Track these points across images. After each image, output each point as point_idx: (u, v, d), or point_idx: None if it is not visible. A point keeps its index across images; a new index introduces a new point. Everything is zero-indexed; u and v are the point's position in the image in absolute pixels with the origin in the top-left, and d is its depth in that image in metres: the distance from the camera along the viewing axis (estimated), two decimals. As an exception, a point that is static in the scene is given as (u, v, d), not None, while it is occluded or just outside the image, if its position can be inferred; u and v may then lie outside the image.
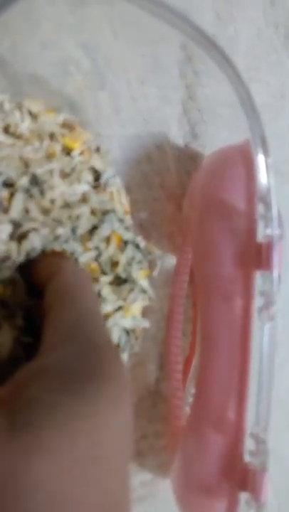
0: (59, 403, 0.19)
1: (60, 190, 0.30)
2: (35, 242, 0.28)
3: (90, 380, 0.20)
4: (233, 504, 0.32)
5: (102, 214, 0.31)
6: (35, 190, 0.29)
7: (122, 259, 0.32)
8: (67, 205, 0.30)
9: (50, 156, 0.30)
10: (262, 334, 0.32)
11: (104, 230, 0.31)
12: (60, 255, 0.29)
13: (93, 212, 0.31)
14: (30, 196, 0.29)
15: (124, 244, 0.33)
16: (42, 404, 0.18)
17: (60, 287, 0.25)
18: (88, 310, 0.24)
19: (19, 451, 0.17)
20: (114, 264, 0.32)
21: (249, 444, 0.32)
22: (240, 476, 0.32)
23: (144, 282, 0.34)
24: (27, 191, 0.28)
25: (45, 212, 0.29)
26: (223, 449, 0.32)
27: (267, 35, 0.45)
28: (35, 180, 0.29)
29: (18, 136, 0.30)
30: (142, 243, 0.34)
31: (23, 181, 0.28)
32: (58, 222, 0.29)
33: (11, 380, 0.21)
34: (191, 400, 0.37)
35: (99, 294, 0.31)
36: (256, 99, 0.34)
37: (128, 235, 0.33)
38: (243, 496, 0.32)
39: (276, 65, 0.46)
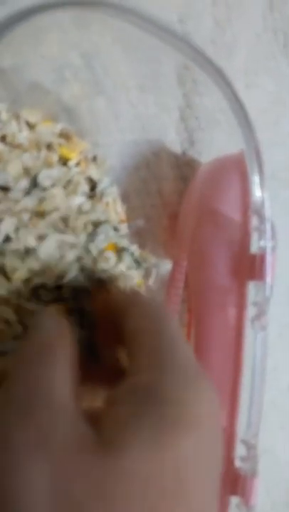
0: (143, 428, 0.19)
1: (60, 199, 0.31)
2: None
3: (179, 409, 0.20)
4: (224, 508, 0.32)
5: (95, 225, 0.32)
6: (35, 192, 0.29)
7: (123, 268, 0.33)
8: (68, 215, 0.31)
9: (48, 166, 0.31)
10: (254, 344, 0.32)
11: (99, 242, 0.32)
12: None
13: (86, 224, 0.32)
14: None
15: (119, 252, 0.33)
16: (127, 426, 0.19)
17: (147, 313, 0.25)
18: (178, 338, 0.24)
19: (102, 465, 0.18)
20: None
21: (240, 450, 0.33)
22: (231, 481, 0.32)
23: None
24: (27, 193, 0.29)
25: (40, 215, 0.30)
26: (215, 455, 0.33)
27: (265, 41, 0.45)
28: (35, 183, 0.30)
29: (16, 146, 0.30)
30: (137, 252, 0.34)
31: (23, 183, 0.29)
32: (73, 230, 0.30)
33: (105, 397, 0.21)
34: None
35: None
36: (255, 105, 0.35)
37: (123, 244, 0.34)
38: (234, 500, 0.33)
39: (275, 70, 0.46)
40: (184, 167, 0.41)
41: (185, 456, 0.19)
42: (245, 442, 0.33)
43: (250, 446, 0.33)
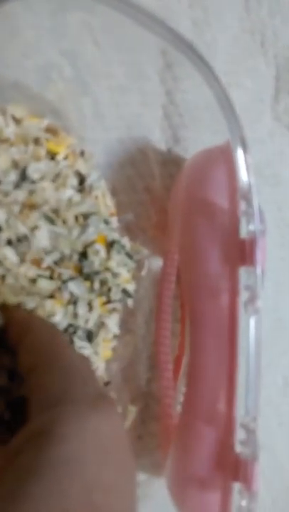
0: (43, 475, 0.19)
1: (49, 192, 0.31)
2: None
3: (64, 448, 0.20)
4: (227, 494, 0.32)
5: (85, 217, 0.32)
6: (24, 185, 0.30)
7: (112, 264, 0.33)
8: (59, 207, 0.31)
9: (36, 160, 0.31)
10: (248, 327, 0.33)
11: (90, 235, 0.32)
12: (26, 312, 0.29)
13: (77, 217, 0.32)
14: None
15: (109, 245, 0.34)
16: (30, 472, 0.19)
17: (34, 348, 0.25)
18: (72, 365, 0.24)
19: None
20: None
21: (239, 435, 0.33)
22: (232, 467, 0.32)
23: (129, 286, 0.35)
24: (16, 186, 0.29)
25: (31, 207, 0.30)
26: (215, 441, 0.33)
27: (243, 42, 0.46)
28: (23, 176, 0.30)
29: (3, 141, 0.30)
30: (128, 244, 0.35)
31: (12, 176, 0.29)
32: (64, 222, 0.31)
33: (9, 444, 0.21)
34: (182, 398, 0.38)
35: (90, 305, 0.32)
36: (235, 104, 0.35)
37: (113, 236, 0.34)
38: (236, 487, 0.33)
39: (253, 70, 0.47)
40: (170, 164, 0.41)
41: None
42: (244, 426, 0.33)
43: (249, 431, 0.33)
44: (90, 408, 0.22)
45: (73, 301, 0.31)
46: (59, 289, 0.31)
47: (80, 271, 0.32)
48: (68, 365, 0.24)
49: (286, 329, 0.50)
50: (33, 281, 0.30)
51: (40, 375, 0.24)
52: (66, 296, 0.31)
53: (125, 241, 0.35)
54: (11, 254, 0.29)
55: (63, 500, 0.19)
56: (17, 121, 0.32)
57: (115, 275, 0.34)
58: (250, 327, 0.33)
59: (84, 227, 0.32)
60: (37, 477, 0.19)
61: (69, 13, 0.36)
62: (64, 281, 0.30)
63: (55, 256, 0.30)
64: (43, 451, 0.20)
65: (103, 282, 0.33)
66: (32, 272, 0.29)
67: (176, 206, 0.38)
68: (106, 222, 0.34)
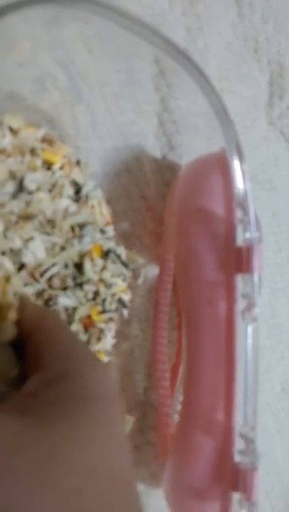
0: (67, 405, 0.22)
1: (46, 202, 0.31)
2: None
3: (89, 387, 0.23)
4: (226, 505, 0.32)
5: (81, 227, 0.32)
6: (21, 196, 0.30)
7: (107, 275, 0.33)
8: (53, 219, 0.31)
9: (32, 170, 0.31)
10: (245, 335, 0.33)
11: (86, 244, 0.32)
12: (39, 308, 0.30)
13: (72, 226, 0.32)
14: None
15: (105, 254, 0.34)
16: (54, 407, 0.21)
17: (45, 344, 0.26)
18: (76, 336, 0.26)
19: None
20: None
21: (238, 445, 0.33)
22: (232, 476, 0.32)
23: (125, 296, 0.35)
24: (13, 197, 0.29)
25: (27, 218, 0.30)
26: (214, 451, 0.33)
27: (237, 48, 0.46)
28: (20, 187, 0.30)
29: (0, 152, 0.30)
30: (124, 253, 0.35)
31: (9, 187, 0.29)
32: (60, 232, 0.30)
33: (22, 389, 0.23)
34: (179, 407, 0.38)
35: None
36: (229, 111, 0.35)
37: (109, 245, 0.34)
38: (235, 496, 0.33)
39: (247, 76, 0.47)
40: (165, 171, 0.41)
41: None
42: (243, 436, 0.33)
43: (248, 440, 0.32)
44: (97, 360, 0.25)
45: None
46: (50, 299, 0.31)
47: (74, 281, 0.32)
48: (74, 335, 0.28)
49: (283, 335, 0.50)
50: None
51: (52, 340, 0.26)
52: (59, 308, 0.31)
53: (121, 250, 0.35)
54: (8, 264, 0.29)
55: (109, 424, 0.22)
56: (13, 131, 0.31)
57: (109, 286, 0.34)
58: (247, 335, 0.33)
59: (80, 237, 0.32)
60: (82, 404, 0.22)
61: (63, 24, 0.35)
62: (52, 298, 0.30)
63: (53, 270, 0.30)
64: (75, 385, 0.22)
65: (97, 293, 0.33)
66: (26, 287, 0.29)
67: (171, 214, 0.38)
68: (102, 231, 0.34)
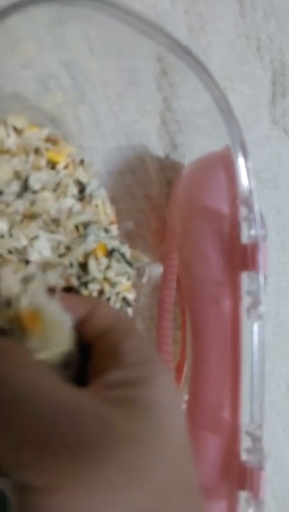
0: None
1: (50, 201, 0.31)
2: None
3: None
4: (233, 503, 0.32)
5: (85, 226, 0.32)
6: (26, 195, 0.30)
7: (111, 274, 0.33)
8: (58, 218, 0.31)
9: (37, 170, 0.31)
10: (251, 333, 0.32)
11: (90, 243, 0.32)
12: (112, 309, 0.31)
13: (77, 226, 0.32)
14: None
15: (109, 253, 0.34)
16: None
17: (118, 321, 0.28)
18: (156, 355, 0.27)
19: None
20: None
21: (245, 443, 0.33)
22: (239, 475, 0.32)
23: (129, 295, 0.35)
24: (18, 196, 0.29)
25: (31, 217, 0.30)
26: (220, 450, 0.33)
27: (239, 47, 0.46)
28: (25, 186, 0.30)
29: (4, 151, 0.30)
30: (128, 252, 0.35)
31: (14, 187, 0.29)
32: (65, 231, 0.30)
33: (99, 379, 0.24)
34: (184, 406, 0.38)
35: None
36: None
37: (113, 244, 0.34)
38: (242, 495, 0.32)
39: (249, 75, 0.47)
40: (169, 170, 0.41)
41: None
42: (249, 434, 0.32)
43: (255, 438, 0.32)
44: (166, 367, 0.26)
45: None
46: None
47: (79, 280, 0.32)
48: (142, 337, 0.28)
49: (288, 334, 0.50)
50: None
51: (129, 342, 0.27)
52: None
53: (125, 249, 0.35)
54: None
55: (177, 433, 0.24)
56: (18, 131, 0.31)
57: (114, 285, 0.34)
58: (253, 333, 0.33)
59: (84, 237, 0.32)
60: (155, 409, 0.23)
61: (66, 24, 0.35)
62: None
63: (59, 270, 0.30)
64: (151, 389, 0.24)
65: (101, 292, 0.33)
66: None
67: (175, 212, 0.38)
68: (106, 230, 0.33)
